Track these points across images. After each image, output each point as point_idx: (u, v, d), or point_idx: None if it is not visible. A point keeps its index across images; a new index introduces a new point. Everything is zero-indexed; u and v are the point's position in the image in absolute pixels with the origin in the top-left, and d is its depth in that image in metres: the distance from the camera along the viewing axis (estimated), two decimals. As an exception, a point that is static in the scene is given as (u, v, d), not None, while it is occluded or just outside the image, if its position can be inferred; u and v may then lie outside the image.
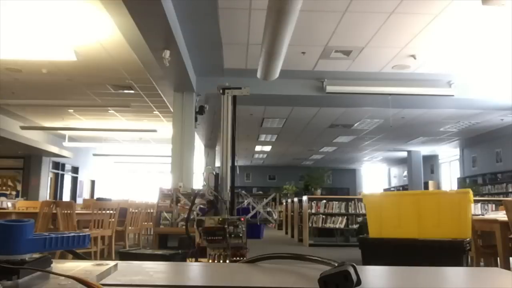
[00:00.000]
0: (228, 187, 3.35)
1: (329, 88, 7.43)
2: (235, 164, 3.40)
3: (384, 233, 3.57)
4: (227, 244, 2.99)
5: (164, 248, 6.46)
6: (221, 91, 3.40)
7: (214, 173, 3.56)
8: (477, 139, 13.29)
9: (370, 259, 3.56)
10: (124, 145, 16.07)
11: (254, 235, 5.03)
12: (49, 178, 15.00)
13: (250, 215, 3.65)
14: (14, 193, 13.61)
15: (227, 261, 2.94)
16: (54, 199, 14.84)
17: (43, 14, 5.20)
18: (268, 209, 3.62)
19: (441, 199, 3.58)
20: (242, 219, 3.09)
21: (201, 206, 3.40)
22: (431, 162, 17.59)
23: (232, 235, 3.02)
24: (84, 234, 0.56)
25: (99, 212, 5.79)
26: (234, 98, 3.55)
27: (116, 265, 0.60)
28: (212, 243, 3.01)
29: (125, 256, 4.57)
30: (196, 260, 2.94)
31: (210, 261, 2.97)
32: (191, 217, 3.05)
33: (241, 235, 2.98)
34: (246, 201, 3.78)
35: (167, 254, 4.33)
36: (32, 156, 13.95)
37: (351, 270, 0.50)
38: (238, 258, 2.96)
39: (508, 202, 3.71)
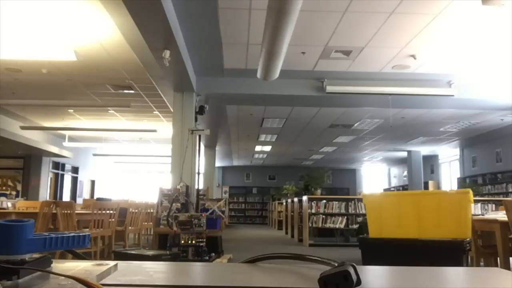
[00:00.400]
0: (195, 194, 5.43)
1: (329, 88, 7.43)
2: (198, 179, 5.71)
3: (384, 233, 3.57)
4: (193, 230, 4.88)
5: (164, 249, 6.49)
6: (191, 132, 5.96)
7: (185, 185, 5.85)
8: (477, 139, 13.29)
9: (370, 259, 3.56)
10: (124, 145, 16.07)
11: (213, 227, 6.40)
12: (49, 178, 15.00)
13: (209, 212, 5.67)
14: (14, 193, 13.61)
15: (193, 242, 4.87)
16: (54, 199, 14.84)
17: (43, 14, 5.20)
18: (222, 208, 5.69)
19: (441, 199, 3.58)
20: (203, 215, 5.14)
21: (177, 208, 5.72)
22: (431, 162, 17.59)
23: (196, 225, 4.91)
24: (84, 234, 0.56)
25: (99, 212, 5.79)
26: (199, 136, 5.99)
27: (116, 265, 0.60)
28: (184, 231, 4.92)
29: (120, 256, 4.72)
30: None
31: (183, 242, 4.92)
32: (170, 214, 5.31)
33: (202, 225, 4.92)
34: (206, 203, 5.75)
35: (162, 254, 4.57)
36: (32, 156, 13.95)
37: (351, 270, 0.50)
38: (200, 239, 4.95)
39: (508, 202, 3.71)
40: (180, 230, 4.89)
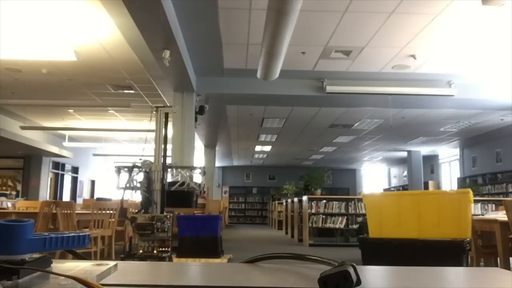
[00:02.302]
0: (159, 190, 3.98)
1: (329, 88, 7.43)
2: (166, 171, 3.99)
3: (384, 233, 3.57)
4: (155, 237, 3.70)
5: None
6: (154, 109, 4.10)
7: (145, 173, 4.16)
8: (477, 139, 13.29)
9: (370, 259, 3.56)
10: (124, 145, 16.07)
11: (213, 231, 5.00)
12: (49, 178, 15.00)
13: (177, 185, 4.12)
14: (14, 193, 13.61)
15: (155, 251, 3.69)
16: (54, 199, 14.84)
17: (43, 14, 5.21)
18: (198, 181, 4.30)
19: (441, 199, 3.58)
20: (169, 216, 3.87)
21: (139, 181, 4.03)
22: (431, 162, 17.59)
23: (159, 230, 3.72)
24: (84, 234, 0.56)
25: (99, 212, 5.79)
26: (166, 114, 4.20)
27: (116, 265, 0.60)
28: (143, 236, 3.75)
29: None
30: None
31: (141, 251, 3.74)
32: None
33: (166, 229, 3.73)
34: (176, 173, 4.24)
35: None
36: (32, 156, 13.95)
37: (351, 270, 0.50)
38: (164, 249, 3.75)
39: (508, 202, 3.71)
40: (139, 236, 3.88)
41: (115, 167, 4.20)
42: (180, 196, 4.38)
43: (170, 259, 3.95)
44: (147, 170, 4.11)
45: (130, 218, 3.96)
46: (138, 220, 3.88)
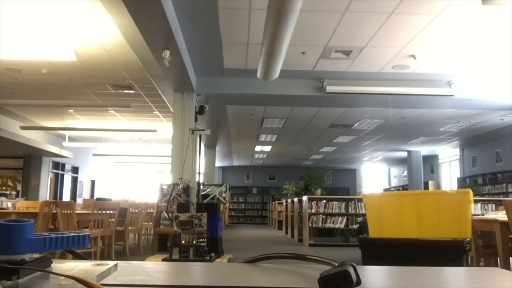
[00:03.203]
0: (195, 194, 5.43)
1: (329, 88, 7.43)
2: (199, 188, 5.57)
3: (384, 233, 3.57)
4: (194, 231, 4.82)
5: (164, 249, 6.50)
6: (191, 132, 5.83)
7: (186, 184, 5.57)
8: (477, 139, 13.29)
9: (370, 259, 3.56)
10: (124, 145, 16.07)
11: (213, 232, 6.01)
12: (49, 178, 15.00)
13: (208, 198, 5.53)
14: (14, 193, 13.61)
15: (194, 242, 4.83)
16: (54, 199, 14.84)
17: (43, 14, 5.21)
18: (224, 195, 5.62)
19: (441, 199, 3.58)
20: (204, 214, 5.00)
21: (177, 193, 5.57)
22: (431, 162, 17.59)
23: (197, 225, 4.86)
24: (84, 234, 0.56)
25: (99, 212, 5.79)
26: (200, 136, 5.85)
27: (116, 265, 0.60)
28: (184, 231, 4.86)
29: None
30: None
31: (183, 241, 4.85)
32: (171, 214, 5.46)
33: (203, 225, 4.88)
34: (208, 189, 5.66)
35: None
36: (32, 156, 13.95)
37: (351, 270, 0.50)
38: (201, 240, 4.89)
39: (508, 202, 3.71)
40: (181, 230, 4.90)
41: (160, 184, 5.51)
42: (209, 206, 5.66)
43: (206, 248, 4.95)
44: (185, 187, 5.41)
45: (174, 216, 5.00)
46: (180, 218, 4.85)
